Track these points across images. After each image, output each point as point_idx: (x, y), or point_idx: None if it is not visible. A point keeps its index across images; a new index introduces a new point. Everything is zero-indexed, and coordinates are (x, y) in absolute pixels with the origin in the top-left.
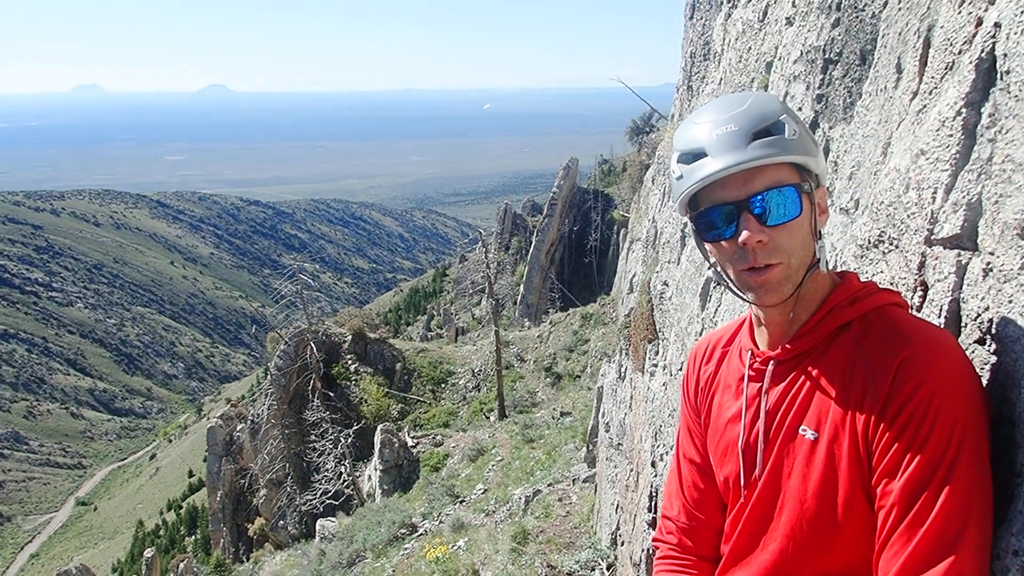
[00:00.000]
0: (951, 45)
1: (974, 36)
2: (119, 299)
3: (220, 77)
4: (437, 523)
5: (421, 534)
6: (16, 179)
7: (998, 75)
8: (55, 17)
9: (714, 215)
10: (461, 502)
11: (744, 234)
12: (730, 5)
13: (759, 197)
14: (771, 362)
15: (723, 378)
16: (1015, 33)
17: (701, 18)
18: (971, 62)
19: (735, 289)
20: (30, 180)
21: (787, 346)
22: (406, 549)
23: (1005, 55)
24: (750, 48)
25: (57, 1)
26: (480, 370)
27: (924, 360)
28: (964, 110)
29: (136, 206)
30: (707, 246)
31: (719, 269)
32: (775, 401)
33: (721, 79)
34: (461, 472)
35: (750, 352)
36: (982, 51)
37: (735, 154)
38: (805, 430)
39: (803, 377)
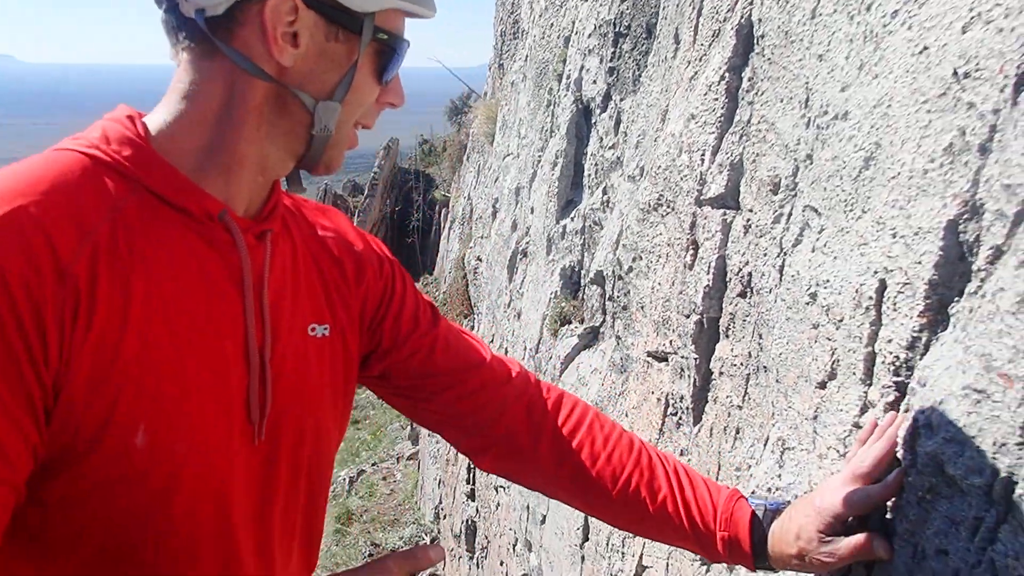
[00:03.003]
0: (717, 13)
1: (736, 3)
2: None
3: (7, 47)
4: None
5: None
6: None
7: (755, 40)
8: None
9: (403, 50)
10: None
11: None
12: None
13: None
14: (267, 233)
15: (148, 269)
16: None
17: None
18: (732, 28)
19: (319, 149)
20: None
21: (264, 212)
22: None
23: (760, 20)
24: (552, 24)
25: None
26: None
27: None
28: (727, 75)
29: None
30: (371, 86)
31: (322, 119)
32: (277, 288)
33: (527, 56)
34: None
35: (223, 216)
36: (742, 17)
37: None
38: (314, 327)
39: (289, 258)
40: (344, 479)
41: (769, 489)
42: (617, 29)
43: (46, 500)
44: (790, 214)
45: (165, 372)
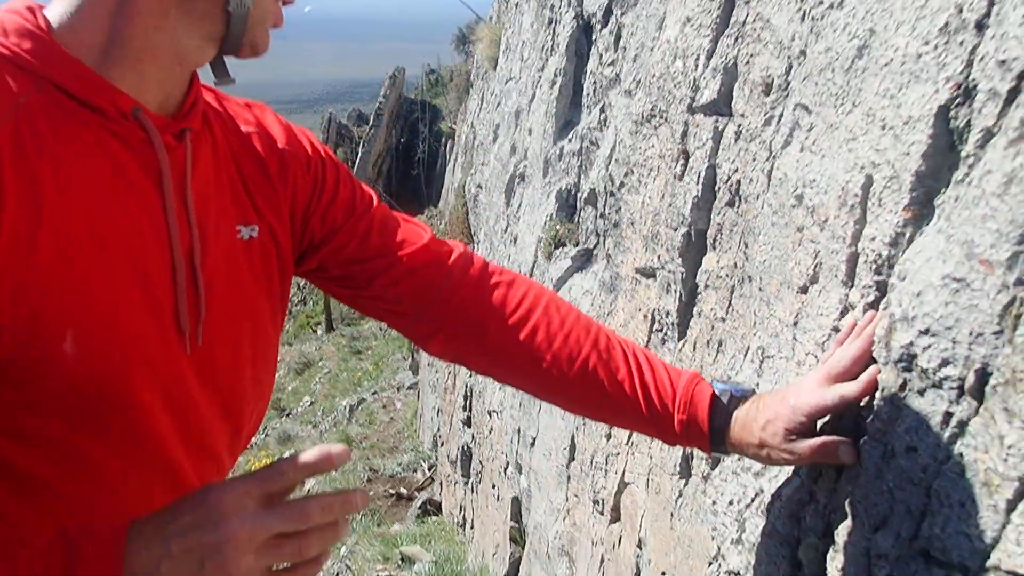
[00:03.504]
0: None
1: None
2: None
3: None
4: (263, 437)
5: (247, 448)
6: None
7: None
8: None
9: None
10: (287, 415)
11: None
12: None
13: None
14: (187, 132)
15: (59, 169)
16: None
17: None
18: None
19: (240, 28)
20: None
21: (184, 109)
22: None
23: None
24: None
25: None
26: (306, 284)
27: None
28: None
29: None
30: None
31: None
32: (200, 190)
33: None
34: (287, 386)
35: (137, 114)
36: None
37: None
38: (240, 229)
39: (211, 157)
40: (345, 407)
41: None
42: None
43: None
44: (781, 115)
45: (88, 276)
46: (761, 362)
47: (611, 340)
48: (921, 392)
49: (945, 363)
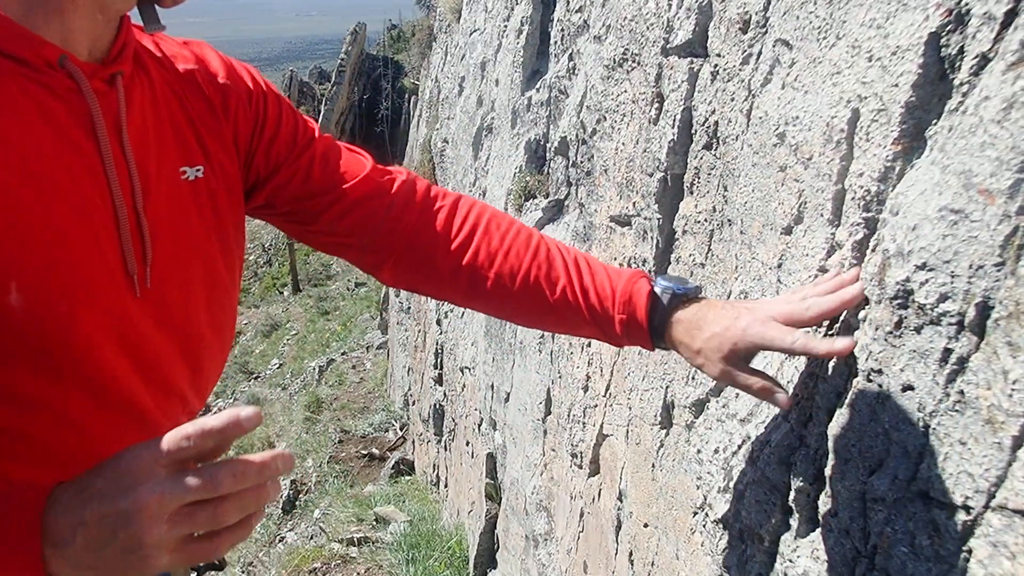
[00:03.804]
0: None
1: None
2: None
3: None
4: (231, 401)
5: (215, 413)
6: None
7: None
8: None
9: None
10: (256, 378)
11: None
12: None
13: None
14: (118, 76)
15: None
16: None
17: None
18: None
19: None
20: None
21: (112, 54)
22: None
23: None
24: None
25: None
26: (271, 244)
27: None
28: None
29: None
30: None
31: None
32: (138, 133)
33: None
34: (255, 348)
35: (64, 62)
36: None
37: None
38: (185, 170)
39: (149, 100)
40: (314, 368)
41: None
42: None
43: None
44: (760, 53)
45: (23, 227)
46: None
47: (551, 250)
48: (918, 329)
49: (944, 298)
